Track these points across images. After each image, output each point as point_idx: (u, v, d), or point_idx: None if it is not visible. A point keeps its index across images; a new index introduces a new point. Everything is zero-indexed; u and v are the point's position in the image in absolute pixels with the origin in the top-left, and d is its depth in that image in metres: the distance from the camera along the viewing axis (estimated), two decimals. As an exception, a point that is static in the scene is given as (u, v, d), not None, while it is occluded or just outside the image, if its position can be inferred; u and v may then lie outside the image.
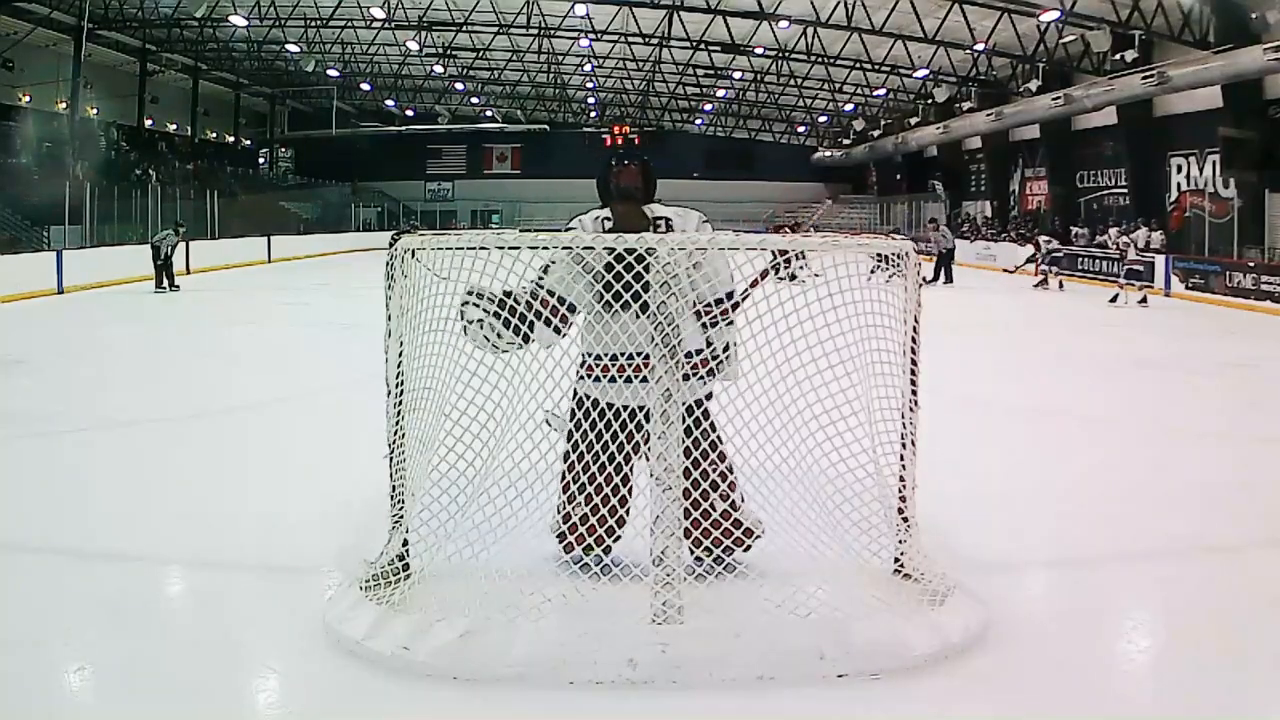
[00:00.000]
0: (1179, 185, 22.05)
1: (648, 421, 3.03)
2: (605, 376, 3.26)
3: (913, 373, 3.31)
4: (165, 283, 16.27)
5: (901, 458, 3.31)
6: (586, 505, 3.28)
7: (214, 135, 37.54)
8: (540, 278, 3.28)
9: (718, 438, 3.31)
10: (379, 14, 26.89)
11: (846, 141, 38.53)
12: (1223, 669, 2.85)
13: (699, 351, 3.29)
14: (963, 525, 3.95)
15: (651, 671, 2.69)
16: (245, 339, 10.92)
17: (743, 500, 3.37)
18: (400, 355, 3.23)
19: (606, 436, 3.16)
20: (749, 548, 3.38)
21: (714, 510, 3.20)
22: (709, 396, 3.36)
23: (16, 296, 13.71)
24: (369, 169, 40.93)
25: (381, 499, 3.33)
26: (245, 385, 7.72)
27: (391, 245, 3.22)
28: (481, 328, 3.23)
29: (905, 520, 3.28)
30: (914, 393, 3.31)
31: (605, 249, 2.98)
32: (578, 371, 3.32)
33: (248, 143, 40.38)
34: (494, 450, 3.22)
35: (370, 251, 28.14)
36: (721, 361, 3.35)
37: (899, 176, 37.70)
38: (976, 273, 23.49)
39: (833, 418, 3.28)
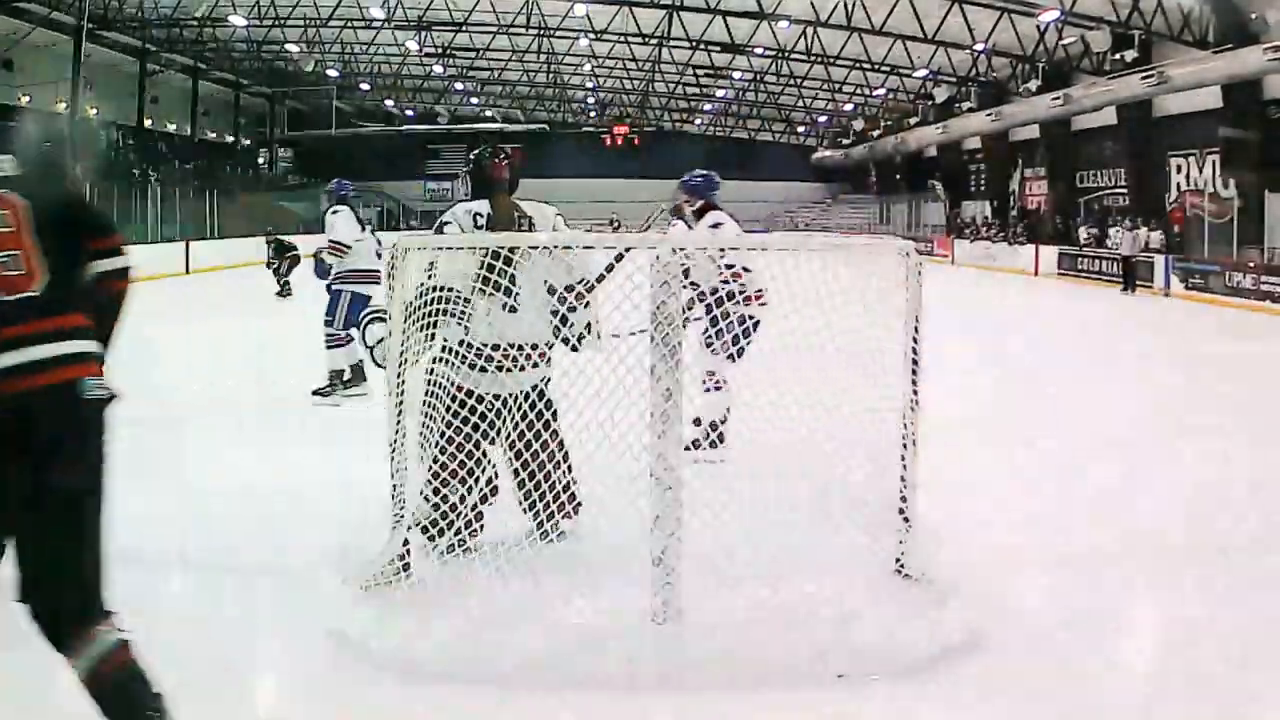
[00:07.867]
0: (1179, 185, 22.04)
1: (504, 410, 3.28)
2: (476, 366, 3.32)
3: (913, 373, 3.32)
4: None
5: (902, 458, 3.31)
6: (454, 495, 3.29)
7: (214, 135, 37.50)
8: (427, 277, 3.32)
9: (552, 416, 3.41)
10: (379, 14, 26.90)
11: (846, 141, 38.53)
12: (1223, 669, 2.85)
13: (535, 346, 3.41)
14: (963, 525, 3.95)
15: (651, 671, 2.69)
16: (245, 338, 10.89)
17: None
18: (400, 355, 3.23)
19: (475, 420, 3.26)
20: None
21: (549, 479, 3.34)
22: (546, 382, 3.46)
23: (16, 296, 13.72)
24: (369, 169, 40.88)
25: (382, 499, 3.33)
26: (245, 384, 7.71)
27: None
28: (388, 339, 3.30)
29: (905, 520, 3.28)
30: (914, 393, 3.31)
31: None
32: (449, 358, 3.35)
33: (248, 143, 40.33)
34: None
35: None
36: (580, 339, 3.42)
37: (899, 177, 37.66)
38: (978, 274, 23.49)
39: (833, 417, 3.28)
